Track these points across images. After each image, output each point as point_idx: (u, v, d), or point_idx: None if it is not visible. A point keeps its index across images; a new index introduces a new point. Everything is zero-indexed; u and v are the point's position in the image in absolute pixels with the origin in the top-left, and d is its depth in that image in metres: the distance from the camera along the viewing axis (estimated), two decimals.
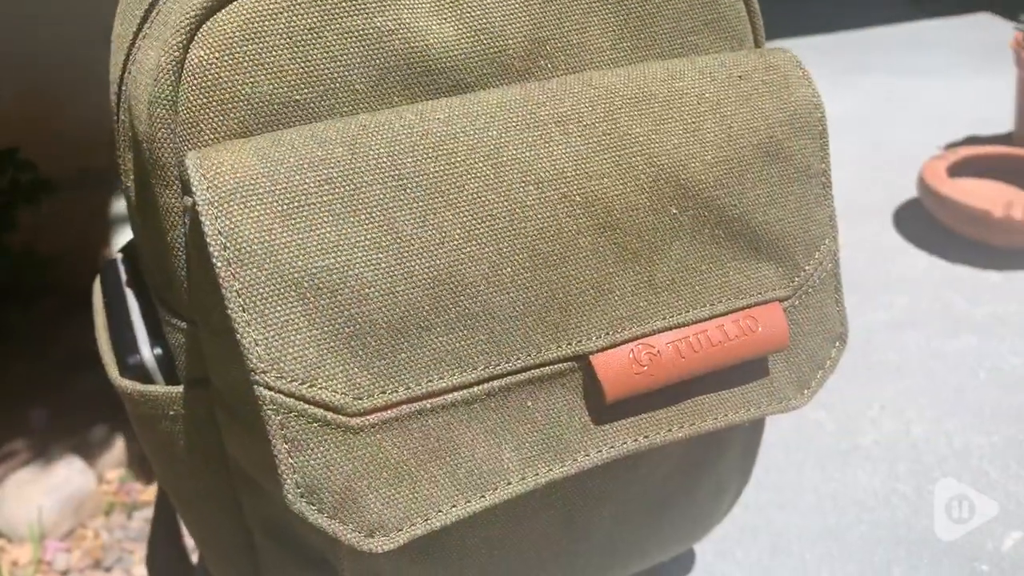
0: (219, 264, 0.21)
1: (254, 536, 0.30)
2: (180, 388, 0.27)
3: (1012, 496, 0.43)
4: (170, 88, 0.23)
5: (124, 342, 0.29)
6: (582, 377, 0.25)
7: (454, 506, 0.24)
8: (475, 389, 0.24)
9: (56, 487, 1.32)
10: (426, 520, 0.23)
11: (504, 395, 0.24)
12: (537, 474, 0.25)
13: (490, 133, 0.24)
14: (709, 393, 0.27)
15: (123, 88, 0.27)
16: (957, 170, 0.63)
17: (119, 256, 0.34)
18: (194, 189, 0.21)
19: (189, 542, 0.41)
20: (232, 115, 0.23)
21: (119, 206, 1.66)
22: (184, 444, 0.28)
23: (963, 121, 0.78)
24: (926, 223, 0.63)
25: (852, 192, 0.68)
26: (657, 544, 0.33)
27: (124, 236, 1.70)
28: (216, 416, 0.27)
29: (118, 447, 1.46)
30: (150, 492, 1.41)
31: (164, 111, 0.23)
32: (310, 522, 0.22)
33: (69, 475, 1.33)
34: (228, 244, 0.21)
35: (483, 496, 0.24)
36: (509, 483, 0.25)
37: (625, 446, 0.26)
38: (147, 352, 0.28)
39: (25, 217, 1.44)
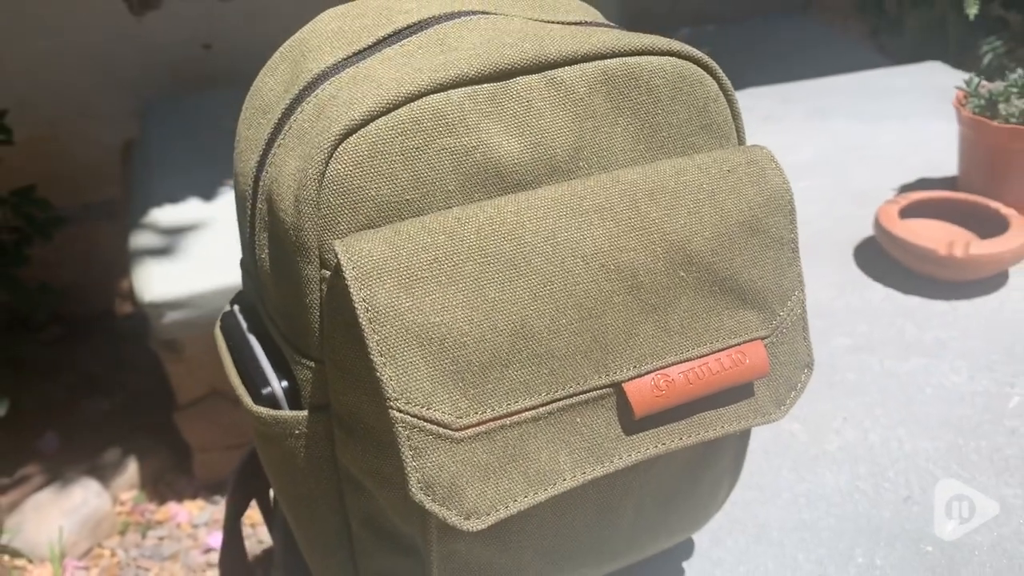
0: (363, 322, 0.30)
1: (352, 528, 0.38)
2: (304, 412, 0.35)
3: (957, 494, 0.52)
4: (314, 192, 0.31)
5: (256, 378, 0.37)
6: (616, 400, 0.34)
7: (526, 497, 0.33)
8: (540, 410, 0.33)
9: (74, 509, 1.39)
10: (506, 507, 0.32)
11: (560, 414, 0.33)
12: (584, 473, 0.34)
13: (547, 221, 0.33)
14: (710, 410, 0.36)
15: (260, 184, 0.35)
16: (908, 212, 0.73)
17: (235, 307, 0.42)
18: (343, 268, 0.30)
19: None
20: (361, 212, 0.32)
21: (118, 238, 1.73)
22: (304, 456, 0.36)
23: (916, 164, 0.87)
24: (882, 259, 0.73)
25: (818, 230, 0.78)
26: (666, 531, 0.42)
27: (115, 266, 1.75)
28: (333, 433, 0.35)
29: (131, 470, 1.52)
30: (162, 512, 1.48)
31: (309, 208, 0.32)
32: (426, 508, 0.31)
33: (86, 497, 1.40)
34: (369, 308, 0.30)
35: (546, 490, 0.33)
36: (564, 480, 0.33)
37: (648, 451, 0.34)
38: (276, 385, 0.36)
39: (33, 251, 1.51)
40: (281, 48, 0.40)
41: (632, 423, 0.34)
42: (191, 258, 1.34)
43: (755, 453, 0.55)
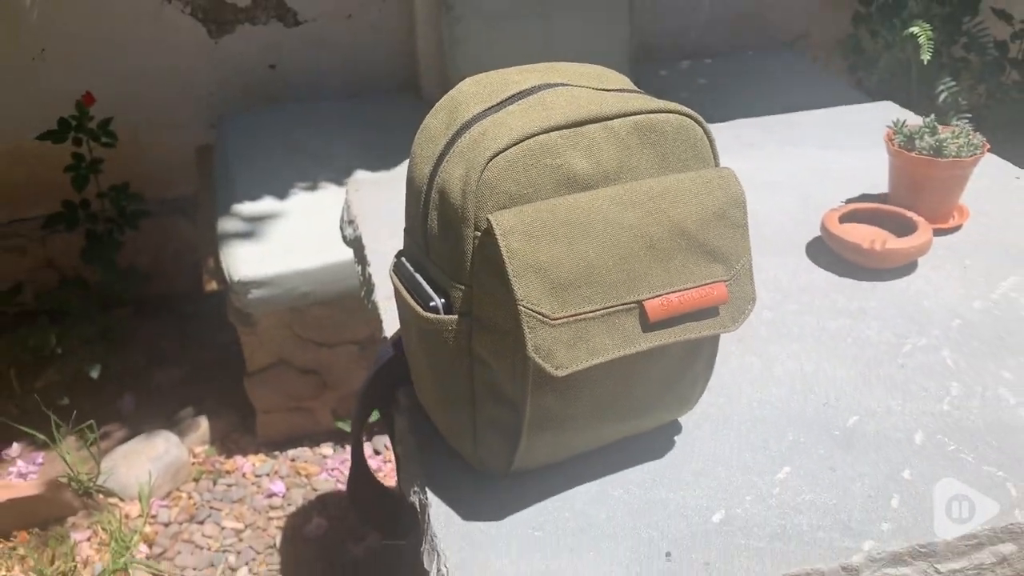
0: (505, 259, 0.55)
1: (475, 390, 0.63)
2: (455, 316, 0.61)
3: (861, 402, 0.78)
4: (475, 187, 0.57)
5: (424, 297, 0.63)
6: (639, 311, 0.60)
7: (587, 361, 0.58)
8: (597, 312, 0.59)
9: (158, 457, 1.66)
10: (576, 365, 0.58)
11: (607, 316, 0.59)
12: (620, 351, 0.60)
13: (603, 207, 0.59)
14: (692, 322, 0.62)
15: (434, 182, 0.61)
16: (845, 218, 0.99)
17: (401, 259, 0.67)
18: (495, 229, 0.56)
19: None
20: (500, 199, 0.58)
21: (188, 230, 2.00)
22: (452, 343, 0.62)
23: (860, 183, 1.14)
24: (825, 252, 0.99)
25: (782, 230, 1.04)
26: (663, 408, 0.68)
27: (184, 254, 2.05)
28: (471, 330, 0.61)
29: (202, 428, 1.79)
30: (230, 464, 1.73)
31: (471, 196, 0.58)
32: (536, 361, 0.56)
33: (168, 447, 1.67)
34: (508, 251, 0.56)
35: (598, 358, 0.59)
36: (608, 353, 0.59)
37: (656, 342, 0.60)
38: (438, 300, 0.62)
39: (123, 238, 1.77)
40: (438, 103, 0.66)
41: (648, 325, 0.61)
42: (271, 244, 1.60)
43: (724, 375, 0.81)
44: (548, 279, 0.57)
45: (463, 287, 0.61)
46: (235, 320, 1.64)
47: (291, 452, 1.77)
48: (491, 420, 0.65)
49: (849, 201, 1.10)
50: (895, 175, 1.05)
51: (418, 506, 0.71)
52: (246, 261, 1.56)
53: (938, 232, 1.00)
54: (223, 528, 1.62)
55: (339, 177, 1.79)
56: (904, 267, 0.96)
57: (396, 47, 2.09)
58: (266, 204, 1.70)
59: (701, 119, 0.64)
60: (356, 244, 1.10)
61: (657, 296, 0.61)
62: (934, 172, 1.00)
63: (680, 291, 0.61)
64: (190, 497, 1.70)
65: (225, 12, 1.96)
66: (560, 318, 0.58)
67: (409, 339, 0.69)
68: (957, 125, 1.03)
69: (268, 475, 1.73)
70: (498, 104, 0.63)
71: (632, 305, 0.60)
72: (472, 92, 0.65)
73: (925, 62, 1.71)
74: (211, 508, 1.68)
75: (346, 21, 2.03)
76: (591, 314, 0.59)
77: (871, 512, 0.67)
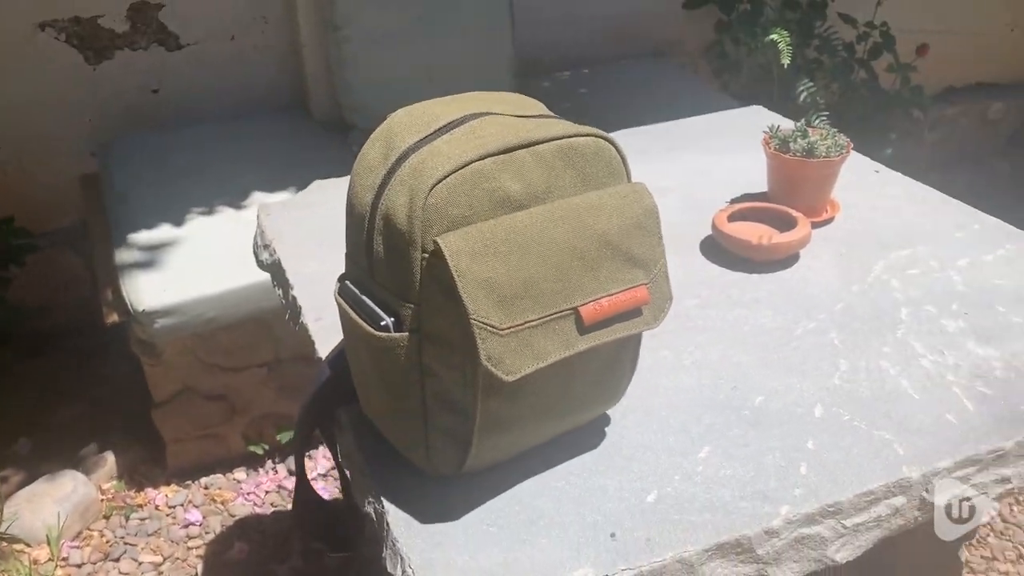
0: (456, 277, 0.61)
1: (427, 402, 0.68)
2: (406, 333, 0.66)
3: (764, 383, 0.87)
4: (420, 212, 0.62)
5: (374, 317, 0.67)
6: (575, 316, 0.66)
7: (532, 365, 0.64)
8: (538, 321, 0.64)
9: (65, 497, 1.63)
10: (523, 370, 0.64)
11: (548, 322, 0.65)
12: (560, 354, 0.66)
13: (537, 225, 0.65)
14: (620, 322, 0.69)
15: (377, 209, 0.66)
16: (732, 217, 1.09)
17: (345, 282, 0.71)
18: (444, 251, 0.61)
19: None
20: (444, 222, 0.63)
21: (77, 262, 1.95)
22: (404, 359, 0.66)
23: (741, 184, 1.24)
24: (717, 249, 1.08)
25: (677, 231, 1.13)
26: (595, 402, 0.75)
27: (75, 287, 2.01)
28: (421, 345, 0.66)
29: (108, 463, 1.76)
30: (141, 497, 1.71)
31: (418, 221, 0.63)
32: (489, 371, 0.62)
33: (75, 486, 1.64)
34: (458, 271, 0.61)
35: (541, 362, 0.65)
36: (550, 357, 0.65)
37: (591, 343, 0.67)
38: (388, 320, 0.66)
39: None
40: (374, 133, 0.71)
41: (583, 328, 0.67)
42: (172, 271, 1.59)
43: (642, 369, 0.88)
44: (494, 293, 0.63)
45: (412, 306, 0.66)
46: (139, 351, 1.62)
47: (204, 480, 1.75)
48: (442, 428, 0.70)
49: (733, 201, 1.20)
50: (773, 175, 1.16)
51: (374, 515, 0.75)
52: (148, 291, 1.54)
53: (815, 225, 1.11)
54: (140, 563, 1.60)
55: (235, 200, 1.79)
56: (788, 259, 1.06)
57: (282, 67, 2.09)
58: (163, 231, 1.68)
59: (615, 140, 0.71)
60: (275, 268, 1.12)
61: (590, 302, 0.67)
62: (808, 171, 1.11)
63: (609, 296, 0.68)
64: (102, 535, 1.66)
65: (102, 38, 1.92)
66: (507, 328, 0.63)
67: (357, 358, 0.73)
68: (824, 128, 1.15)
69: (182, 505, 1.71)
70: (432, 134, 0.68)
71: (569, 312, 0.66)
72: (405, 123, 0.70)
73: (785, 65, 1.86)
74: (126, 544, 1.65)
75: (230, 43, 2.02)
76: (534, 322, 0.64)
77: (784, 480, 0.75)
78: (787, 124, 1.25)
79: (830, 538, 0.74)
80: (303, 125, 2.05)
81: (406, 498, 0.74)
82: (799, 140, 1.11)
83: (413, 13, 1.85)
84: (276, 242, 1.13)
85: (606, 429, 0.81)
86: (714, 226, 1.07)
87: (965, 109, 2.78)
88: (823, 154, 1.10)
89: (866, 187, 1.24)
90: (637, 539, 0.70)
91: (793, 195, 1.13)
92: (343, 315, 0.72)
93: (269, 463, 1.82)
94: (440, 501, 0.73)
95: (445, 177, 0.64)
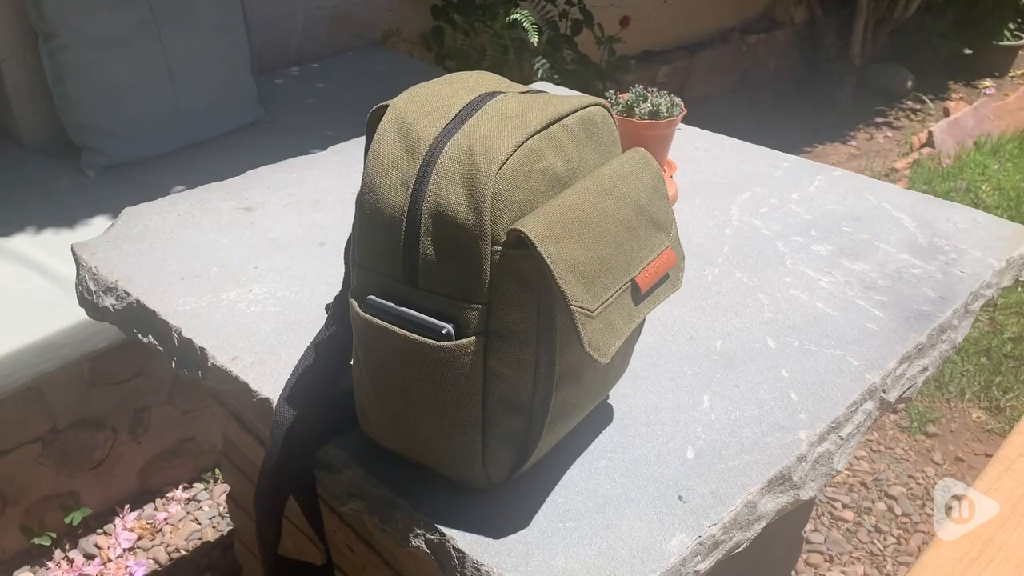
0: (548, 263, 0.57)
1: (488, 407, 0.64)
2: (472, 337, 0.60)
3: (712, 328, 0.92)
4: (489, 202, 0.58)
5: (429, 328, 0.61)
6: (631, 286, 0.65)
7: (616, 343, 0.62)
8: (613, 296, 0.62)
9: None
10: (613, 349, 0.61)
11: (618, 297, 0.63)
12: (629, 327, 0.64)
13: (591, 199, 0.62)
14: (659, 288, 0.69)
15: (420, 208, 0.59)
16: None
17: (369, 298, 0.63)
18: (533, 240, 0.57)
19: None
20: (511, 210, 0.59)
21: None
22: (469, 365, 0.61)
23: None
24: None
25: None
26: (619, 375, 0.74)
27: None
28: (486, 348, 0.61)
29: None
30: None
31: (486, 212, 0.58)
32: (591, 354, 0.59)
33: None
34: (549, 256, 0.57)
35: (621, 338, 0.63)
36: (624, 332, 0.64)
37: (646, 312, 0.66)
38: (448, 327, 0.60)
39: None
40: (379, 129, 0.63)
41: (639, 298, 0.66)
42: None
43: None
44: (580, 276, 0.60)
45: (479, 306, 0.60)
46: None
47: None
48: (502, 434, 0.65)
49: None
50: (622, 140, 1.21)
51: (430, 549, 0.68)
52: None
53: None
54: None
55: None
56: None
57: None
58: None
59: (609, 106, 0.71)
60: (131, 313, 0.95)
61: (641, 271, 0.66)
62: (654, 131, 1.18)
63: (652, 262, 0.68)
64: None
65: None
66: (596, 309, 0.61)
67: (390, 379, 0.65)
68: (652, 91, 1.22)
69: None
70: (455, 119, 0.62)
71: (628, 284, 0.65)
72: (415, 111, 0.63)
73: (536, 44, 1.93)
74: None
75: None
76: (610, 300, 0.62)
77: (785, 409, 0.80)
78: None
79: (834, 451, 0.81)
80: (10, 154, 1.73)
81: (463, 518, 0.68)
82: (642, 104, 1.18)
83: (139, 15, 1.64)
84: (125, 283, 0.96)
85: (610, 403, 0.81)
86: None
87: (639, 76, 3.10)
88: (666, 114, 1.17)
89: (678, 145, 1.35)
90: (703, 495, 0.71)
91: None
92: (373, 335, 0.63)
93: (59, 552, 1.54)
94: (498, 512, 0.68)
95: (505, 162, 0.59)
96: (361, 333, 0.65)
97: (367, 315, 0.64)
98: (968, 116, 3.43)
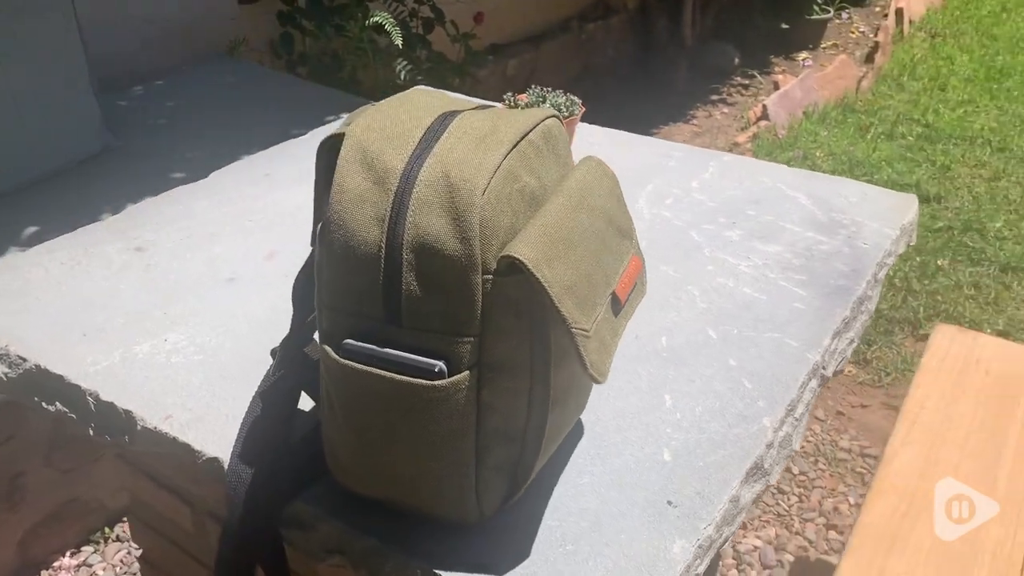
0: (546, 286, 0.55)
1: (480, 440, 0.61)
2: (466, 372, 0.58)
3: (653, 324, 0.92)
4: (477, 229, 0.55)
5: (419, 368, 0.57)
6: (611, 298, 0.64)
7: (609, 360, 0.61)
8: (601, 313, 0.61)
9: None
10: (608, 367, 0.60)
11: (605, 314, 0.62)
12: (615, 341, 0.63)
13: (568, 215, 0.61)
14: (633, 296, 0.68)
15: (400, 242, 0.56)
16: None
17: (346, 343, 0.59)
18: (528, 265, 0.54)
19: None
20: (499, 235, 0.57)
21: None
22: (463, 400, 0.59)
23: None
24: None
25: None
26: (591, 388, 0.73)
27: None
28: (479, 381, 0.58)
29: None
30: None
31: (475, 240, 0.55)
32: (594, 377, 0.57)
33: None
34: (546, 280, 0.55)
35: (611, 353, 0.61)
36: (612, 347, 0.62)
37: (625, 322, 0.65)
38: (439, 365, 0.57)
39: None
40: (341, 161, 0.58)
41: (618, 309, 0.65)
42: None
43: None
44: (574, 296, 0.58)
45: (471, 338, 0.58)
46: None
47: None
48: (495, 465, 0.63)
49: None
50: None
51: None
52: None
53: None
54: None
55: None
56: None
57: None
58: None
59: (561, 117, 0.69)
60: (27, 380, 0.85)
61: (619, 281, 0.65)
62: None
63: (625, 271, 0.67)
64: None
65: None
66: (591, 329, 0.59)
67: (370, 424, 0.61)
68: (548, 91, 1.22)
69: None
70: (421, 143, 0.59)
71: (609, 296, 0.64)
72: (375, 138, 0.59)
73: (400, 46, 1.88)
74: None
75: None
76: (599, 317, 0.61)
77: (744, 399, 0.82)
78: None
79: (792, 433, 0.83)
80: None
81: (460, 558, 0.65)
82: (542, 105, 1.17)
83: None
84: (17, 347, 0.86)
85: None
86: None
87: (491, 71, 3.10)
88: (567, 113, 1.17)
89: (573, 143, 1.35)
90: (690, 496, 0.71)
91: None
92: (354, 382, 0.59)
93: None
94: (496, 546, 0.66)
95: (487, 186, 0.56)
96: (337, 380, 0.60)
97: (347, 361, 0.59)
98: (796, 88, 3.65)
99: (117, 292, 0.95)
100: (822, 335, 0.91)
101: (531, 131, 0.62)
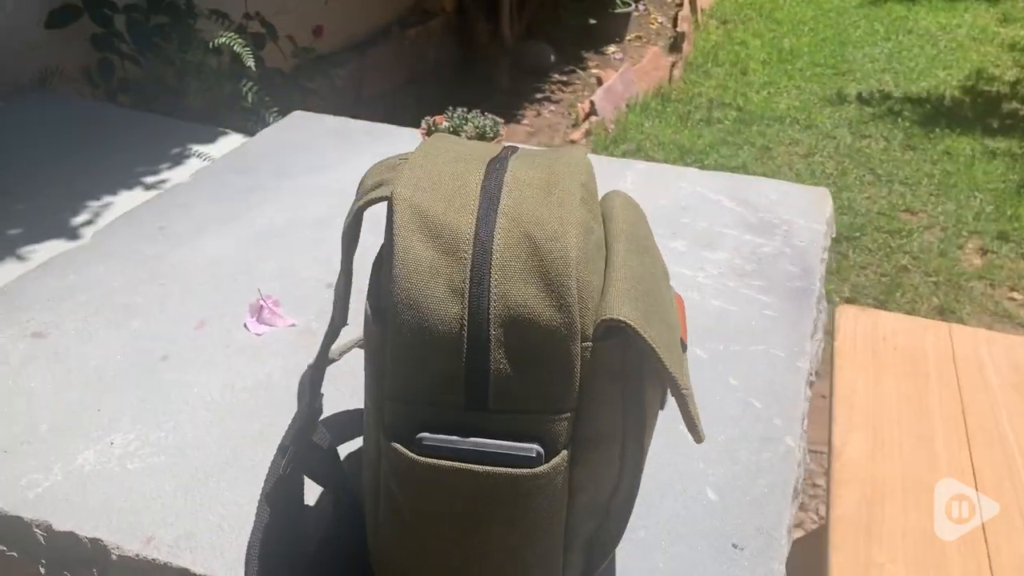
0: (656, 351, 0.49)
1: (570, 523, 0.55)
2: (564, 452, 0.52)
3: None
4: (575, 293, 0.49)
5: (516, 457, 0.51)
6: (680, 343, 0.59)
7: (698, 410, 0.56)
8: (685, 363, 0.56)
9: None
10: (701, 421, 0.55)
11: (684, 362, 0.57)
12: (690, 386, 0.58)
13: (633, 261, 0.56)
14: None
15: (488, 318, 0.49)
16: None
17: (419, 437, 0.52)
18: (636, 327, 0.49)
19: None
20: (594, 296, 0.50)
21: None
22: (559, 485, 0.52)
23: None
24: None
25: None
26: None
27: None
28: (573, 457, 0.52)
29: None
30: None
31: (574, 308, 0.49)
32: (699, 433, 0.52)
33: None
34: (650, 339, 0.50)
35: (695, 403, 0.57)
36: (694, 394, 0.58)
37: (688, 362, 0.61)
38: (537, 449, 0.51)
39: None
40: (397, 228, 0.50)
41: (683, 352, 0.60)
42: None
43: None
44: (670, 352, 0.53)
45: (568, 414, 0.51)
46: None
47: None
48: (580, 545, 0.57)
49: None
50: None
51: None
52: None
53: None
54: None
55: None
56: None
57: None
58: None
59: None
60: None
61: (680, 325, 0.61)
62: None
63: (679, 312, 0.62)
64: None
65: None
66: (688, 384, 0.54)
67: (444, 527, 0.53)
68: (467, 112, 1.15)
69: None
70: (482, 202, 0.52)
71: (679, 343, 0.59)
72: (429, 200, 0.51)
73: (254, 68, 1.74)
74: None
75: None
76: (686, 369, 0.56)
77: (759, 420, 0.80)
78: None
79: (802, 444, 0.82)
80: None
81: None
82: (467, 128, 1.10)
83: None
84: None
85: None
86: None
87: (321, 83, 2.95)
88: (491, 134, 1.11)
89: None
90: (751, 535, 0.68)
91: None
92: (434, 481, 0.51)
93: None
94: None
95: (577, 244, 0.50)
96: (412, 482, 0.52)
97: (427, 459, 0.51)
98: (617, 82, 3.76)
99: (29, 392, 0.79)
100: (802, 341, 0.91)
101: (585, 176, 0.57)
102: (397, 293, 0.49)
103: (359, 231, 0.56)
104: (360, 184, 0.59)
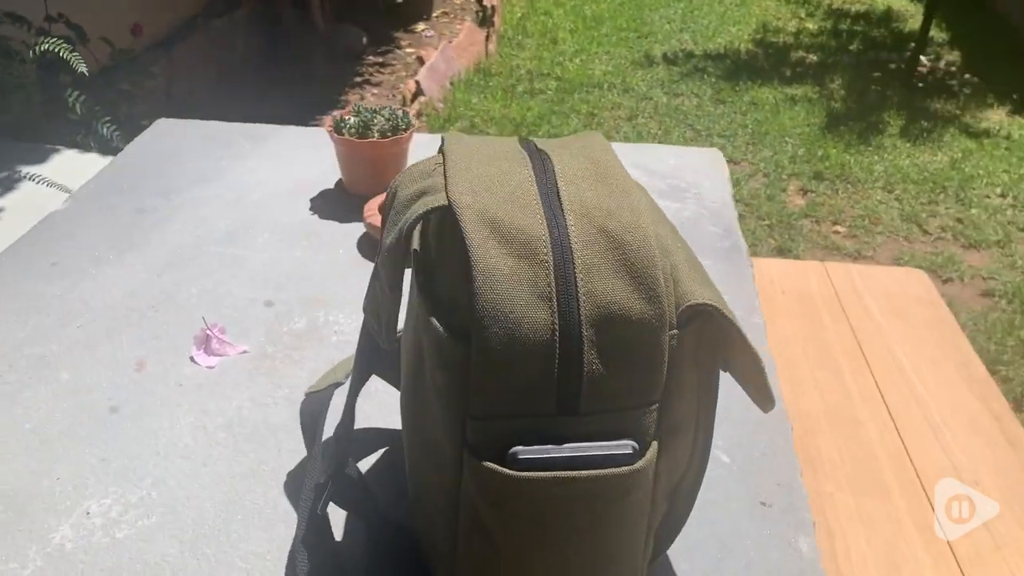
0: (738, 331, 0.50)
1: (652, 513, 0.55)
2: (653, 446, 0.51)
3: None
4: (663, 286, 0.48)
5: (613, 457, 0.50)
6: None
7: None
8: None
9: None
10: None
11: None
12: None
13: (668, 238, 0.56)
14: None
15: (575, 319, 0.48)
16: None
17: (515, 449, 0.49)
18: (722, 310, 0.49)
19: None
20: (670, 283, 0.50)
21: None
22: (651, 478, 0.52)
23: (310, 186, 1.11)
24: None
25: (333, 237, 0.97)
26: None
27: None
28: (660, 446, 0.52)
29: None
30: None
31: (664, 298, 0.49)
32: (771, 403, 0.53)
33: None
34: (735, 323, 0.50)
35: None
36: None
37: None
38: (632, 444, 0.50)
39: None
40: (469, 240, 0.47)
41: None
42: None
43: None
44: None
45: (655, 405, 0.51)
46: None
47: None
48: (655, 529, 0.57)
49: (375, 198, 1.08)
50: (352, 163, 1.08)
51: None
52: None
53: None
54: None
55: None
56: None
57: None
58: None
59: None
60: None
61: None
62: (399, 147, 1.07)
63: None
64: None
65: None
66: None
67: (543, 541, 0.51)
68: (373, 108, 1.10)
69: None
70: (544, 203, 0.50)
71: None
72: (493, 205, 0.49)
73: (87, 73, 1.57)
74: None
75: None
76: None
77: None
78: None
79: (779, 398, 0.86)
80: None
81: None
82: (378, 121, 1.06)
83: None
84: None
85: None
86: (369, 224, 0.98)
87: (136, 84, 2.73)
88: (404, 126, 1.08)
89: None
90: (772, 489, 0.71)
91: (385, 174, 1.08)
92: (533, 496, 0.49)
93: None
94: None
95: (654, 231, 0.49)
96: (503, 500, 0.50)
97: (525, 473, 0.49)
98: (439, 60, 3.73)
99: None
100: (751, 298, 0.94)
101: (618, 158, 0.56)
102: (481, 310, 0.47)
103: (409, 248, 0.52)
104: (391, 196, 0.55)
